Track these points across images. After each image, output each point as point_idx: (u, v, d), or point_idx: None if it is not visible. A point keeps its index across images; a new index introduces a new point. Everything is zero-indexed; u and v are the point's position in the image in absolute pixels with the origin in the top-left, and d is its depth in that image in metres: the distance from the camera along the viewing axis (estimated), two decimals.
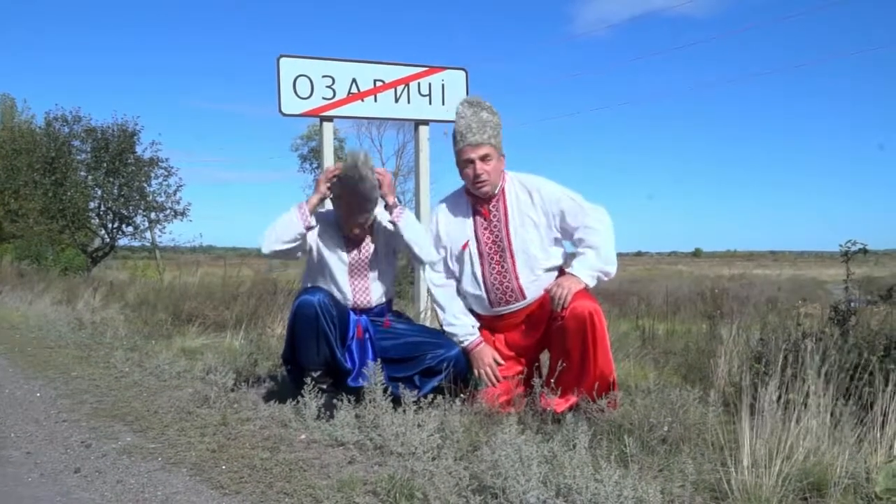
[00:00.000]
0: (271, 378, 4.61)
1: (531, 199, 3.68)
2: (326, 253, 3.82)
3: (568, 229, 3.66)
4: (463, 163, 3.68)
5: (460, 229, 3.78)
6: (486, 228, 3.72)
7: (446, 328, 3.82)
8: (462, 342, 3.74)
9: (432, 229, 3.87)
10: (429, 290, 4.13)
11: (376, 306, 3.91)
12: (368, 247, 3.89)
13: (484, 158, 3.63)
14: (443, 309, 3.84)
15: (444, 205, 3.89)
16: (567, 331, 3.43)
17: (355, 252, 3.86)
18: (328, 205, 3.88)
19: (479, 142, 3.63)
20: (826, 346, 3.36)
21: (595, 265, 3.55)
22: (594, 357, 3.42)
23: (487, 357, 3.70)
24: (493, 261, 3.70)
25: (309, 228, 3.69)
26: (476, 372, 3.72)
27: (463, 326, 3.76)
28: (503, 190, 3.72)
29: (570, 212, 3.63)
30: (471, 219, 3.76)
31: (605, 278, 3.59)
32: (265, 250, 3.67)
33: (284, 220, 3.65)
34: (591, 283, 3.55)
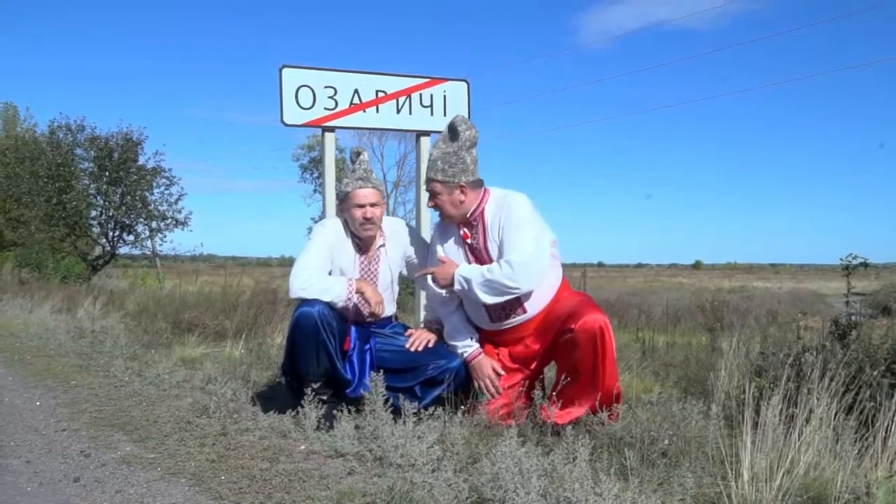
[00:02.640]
0: (271, 388, 4.60)
1: (500, 221, 3.67)
2: (334, 267, 3.83)
3: (500, 251, 3.64)
4: None
5: (453, 249, 3.80)
6: (471, 249, 3.75)
7: (446, 339, 3.84)
8: (462, 353, 3.75)
9: (431, 247, 3.92)
10: (427, 299, 4.14)
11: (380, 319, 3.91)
12: (377, 264, 3.91)
13: (431, 194, 3.74)
14: (444, 320, 3.85)
15: (437, 227, 3.94)
16: (577, 344, 3.43)
17: (364, 265, 3.88)
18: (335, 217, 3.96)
19: (427, 177, 3.76)
20: (827, 360, 3.36)
21: (478, 276, 3.54)
22: (603, 371, 3.43)
23: (487, 368, 3.70)
24: None
25: (344, 306, 3.73)
26: (476, 383, 3.72)
27: (462, 338, 3.78)
28: (482, 212, 3.72)
29: (504, 241, 3.60)
30: (460, 243, 3.78)
31: (462, 288, 3.58)
32: (295, 296, 3.69)
33: (331, 286, 3.68)
34: (456, 286, 3.60)
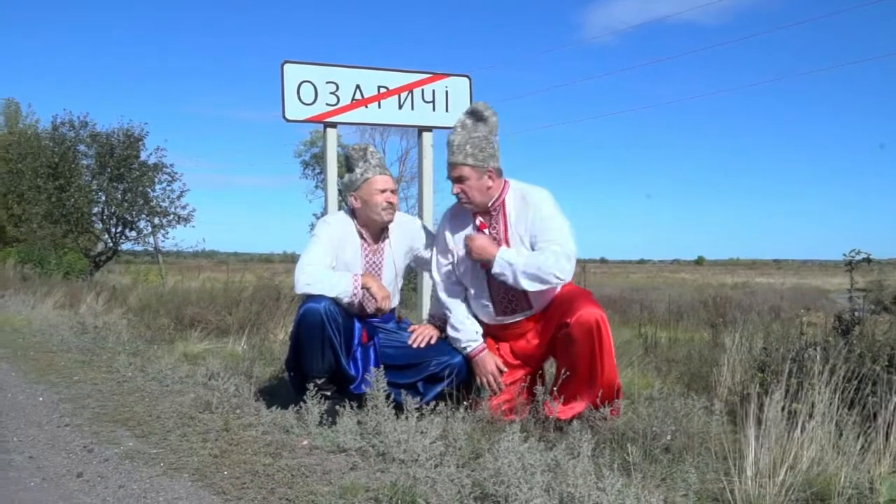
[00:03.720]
0: (273, 384, 4.61)
1: (528, 214, 3.64)
2: (339, 262, 3.83)
3: (534, 242, 3.62)
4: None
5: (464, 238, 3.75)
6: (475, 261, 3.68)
7: (450, 332, 3.81)
8: (465, 348, 3.73)
9: (441, 237, 3.87)
10: (433, 295, 4.13)
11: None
12: (381, 256, 3.91)
13: (459, 179, 3.65)
14: (448, 312, 3.82)
15: (450, 213, 3.87)
16: (574, 339, 3.42)
17: (369, 258, 3.88)
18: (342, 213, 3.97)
19: (455, 162, 3.65)
20: (830, 355, 3.35)
21: (525, 265, 3.50)
22: (602, 365, 3.41)
23: (490, 364, 3.69)
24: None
25: (349, 302, 3.74)
26: (478, 379, 3.71)
27: (466, 332, 3.74)
28: (503, 203, 3.68)
29: (541, 232, 3.58)
30: (478, 230, 3.73)
31: (501, 272, 3.54)
32: (301, 291, 3.69)
33: (337, 281, 3.67)
34: (496, 268, 3.54)
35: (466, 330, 3.75)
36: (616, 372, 3.53)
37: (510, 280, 3.54)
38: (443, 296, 3.87)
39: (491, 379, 3.68)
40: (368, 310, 3.83)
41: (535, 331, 3.70)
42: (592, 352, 3.40)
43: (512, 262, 3.52)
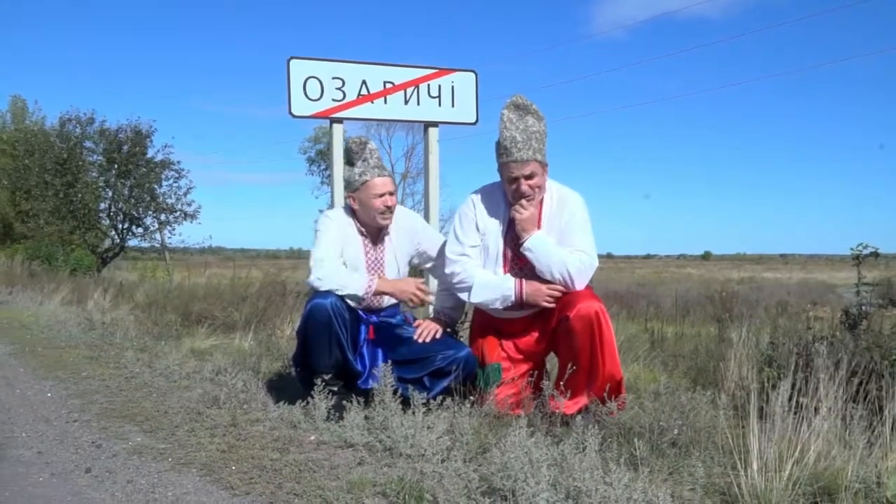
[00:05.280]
0: (281, 379, 4.62)
1: (563, 216, 3.63)
2: (343, 257, 3.83)
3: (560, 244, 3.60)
4: (507, 178, 3.59)
5: (494, 226, 3.70)
6: (515, 230, 3.64)
7: (479, 295, 3.65)
8: (508, 297, 3.60)
9: (470, 216, 3.74)
10: (438, 291, 4.12)
11: (387, 307, 3.92)
12: (382, 253, 3.91)
13: (529, 177, 3.54)
14: (470, 279, 3.67)
15: (481, 195, 3.77)
16: (574, 332, 3.42)
17: (371, 255, 3.88)
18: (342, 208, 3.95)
19: (525, 159, 3.52)
20: (837, 349, 3.35)
21: (552, 248, 3.53)
22: (602, 357, 3.41)
23: (542, 287, 3.57)
24: (517, 266, 3.67)
25: (362, 300, 3.76)
26: (543, 303, 3.57)
27: (500, 281, 3.63)
28: (542, 200, 3.65)
29: (571, 235, 3.59)
30: (504, 219, 3.69)
31: (534, 251, 3.53)
32: (312, 285, 3.69)
33: (349, 281, 3.68)
34: (530, 244, 3.53)
35: (499, 280, 3.64)
36: (618, 365, 3.51)
37: (537, 263, 3.54)
38: (458, 268, 3.70)
39: (549, 299, 3.56)
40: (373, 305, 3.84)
41: (538, 326, 3.70)
42: (592, 344, 3.40)
43: (546, 244, 3.53)
